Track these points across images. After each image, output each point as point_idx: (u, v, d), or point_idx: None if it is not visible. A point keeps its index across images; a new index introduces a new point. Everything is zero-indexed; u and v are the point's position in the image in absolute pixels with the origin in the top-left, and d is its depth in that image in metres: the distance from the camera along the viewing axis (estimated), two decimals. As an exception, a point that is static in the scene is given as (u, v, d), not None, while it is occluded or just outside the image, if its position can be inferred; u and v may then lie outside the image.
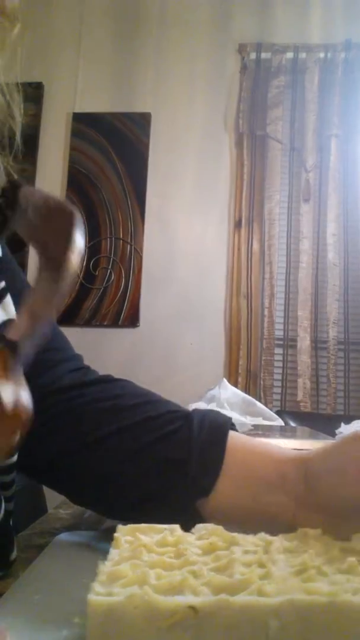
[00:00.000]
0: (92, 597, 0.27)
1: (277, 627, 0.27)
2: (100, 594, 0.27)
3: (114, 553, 0.33)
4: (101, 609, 0.26)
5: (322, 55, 2.61)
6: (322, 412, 2.42)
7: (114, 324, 2.57)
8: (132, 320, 2.57)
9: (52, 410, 0.49)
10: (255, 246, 2.57)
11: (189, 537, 0.36)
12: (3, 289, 0.48)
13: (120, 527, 0.37)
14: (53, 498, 0.64)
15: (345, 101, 2.57)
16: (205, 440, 0.47)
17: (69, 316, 2.56)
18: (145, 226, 2.63)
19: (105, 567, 0.30)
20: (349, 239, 2.54)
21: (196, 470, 0.46)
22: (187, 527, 0.37)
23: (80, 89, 2.72)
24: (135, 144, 2.67)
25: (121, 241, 2.63)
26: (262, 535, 0.37)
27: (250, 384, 2.47)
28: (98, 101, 2.70)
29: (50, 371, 0.51)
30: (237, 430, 0.50)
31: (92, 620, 0.26)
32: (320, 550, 0.34)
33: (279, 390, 2.50)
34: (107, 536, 0.38)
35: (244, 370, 2.48)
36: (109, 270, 2.61)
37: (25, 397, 0.24)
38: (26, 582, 0.39)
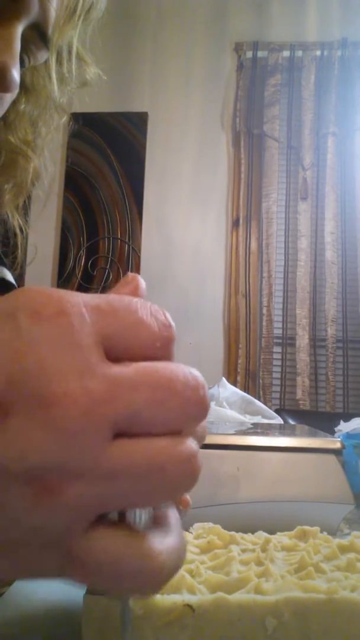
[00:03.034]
0: (88, 596, 0.27)
1: (275, 624, 0.27)
2: (95, 593, 0.27)
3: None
4: (97, 608, 0.26)
5: (318, 53, 2.61)
6: (321, 410, 2.42)
7: (113, 323, 2.57)
8: (131, 320, 2.57)
9: None
10: (253, 245, 2.57)
11: (188, 536, 0.36)
12: None
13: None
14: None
15: (341, 99, 2.57)
16: None
17: (68, 316, 2.56)
18: (143, 225, 2.63)
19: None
20: (347, 237, 2.54)
21: None
22: None
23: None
24: (133, 144, 2.67)
25: (119, 241, 2.63)
26: (260, 533, 0.37)
27: (250, 382, 2.47)
28: (95, 101, 2.70)
29: None
30: None
31: (88, 619, 0.26)
32: (318, 547, 0.34)
33: (278, 388, 2.50)
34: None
35: (243, 369, 2.48)
36: (107, 270, 2.61)
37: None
38: (26, 582, 0.39)
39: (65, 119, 0.58)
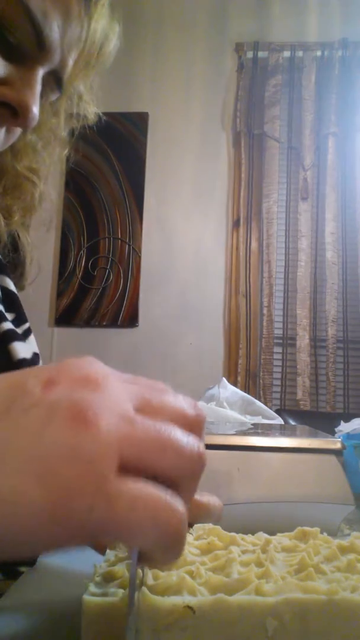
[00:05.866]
0: (87, 598, 0.26)
1: (275, 626, 0.27)
2: (95, 595, 0.27)
3: (110, 554, 0.33)
4: (96, 610, 0.26)
5: (319, 53, 2.61)
6: (322, 411, 2.42)
7: (113, 324, 2.57)
8: (131, 320, 2.57)
9: None
10: (254, 245, 2.57)
11: (188, 538, 0.36)
12: (27, 329, 0.57)
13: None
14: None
15: (342, 99, 2.57)
16: None
17: (68, 317, 2.56)
18: (144, 226, 2.63)
19: (101, 568, 0.30)
20: (347, 238, 2.54)
21: None
22: None
23: (77, 89, 2.72)
24: (133, 144, 2.67)
25: (119, 241, 2.63)
26: (260, 534, 0.37)
27: (250, 383, 2.47)
28: (95, 101, 2.70)
29: None
30: None
31: (87, 621, 0.26)
32: (318, 548, 0.34)
33: (278, 389, 2.50)
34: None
35: (244, 370, 2.48)
36: (107, 270, 2.61)
37: None
38: (26, 582, 0.39)
39: (67, 151, 0.68)
